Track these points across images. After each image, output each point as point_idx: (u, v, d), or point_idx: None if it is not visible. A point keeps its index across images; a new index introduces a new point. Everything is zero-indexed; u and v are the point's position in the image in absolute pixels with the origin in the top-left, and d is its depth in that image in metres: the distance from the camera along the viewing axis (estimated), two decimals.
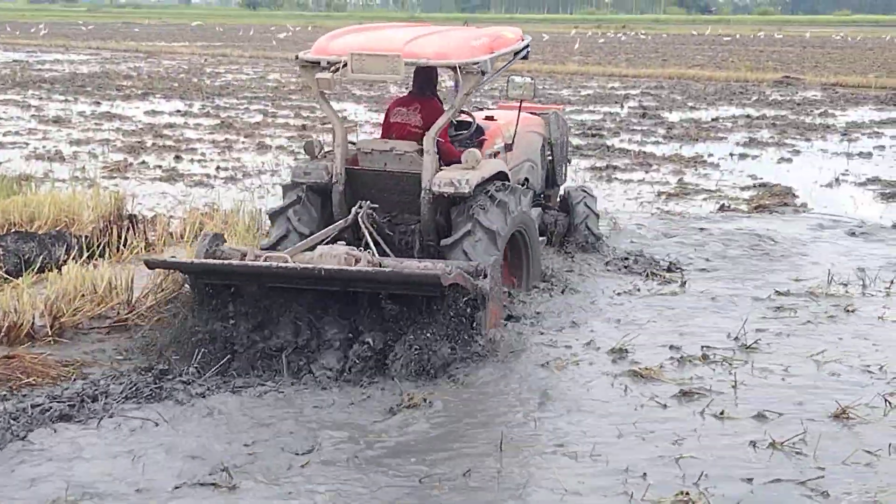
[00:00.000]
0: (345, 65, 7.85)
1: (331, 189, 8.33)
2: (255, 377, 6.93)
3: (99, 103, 25.38)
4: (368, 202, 8.13)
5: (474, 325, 7.13)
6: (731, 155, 18.01)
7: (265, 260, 7.31)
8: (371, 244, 7.87)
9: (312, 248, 7.71)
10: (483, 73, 8.04)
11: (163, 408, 6.24)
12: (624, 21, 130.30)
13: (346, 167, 8.35)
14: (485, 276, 7.17)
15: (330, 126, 8.55)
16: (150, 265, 7.60)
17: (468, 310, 7.06)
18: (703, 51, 58.26)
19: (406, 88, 9.62)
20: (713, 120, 23.42)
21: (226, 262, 7.42)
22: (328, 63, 8.00)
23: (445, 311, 7.01)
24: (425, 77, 8.74)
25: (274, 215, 8.52)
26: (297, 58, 8.44)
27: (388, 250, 8.02)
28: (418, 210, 8.19)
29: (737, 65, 43.19)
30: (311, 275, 7.00)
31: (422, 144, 8.11)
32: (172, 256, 9.03)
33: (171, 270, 8.05)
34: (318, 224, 8.35)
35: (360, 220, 8.04)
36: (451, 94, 9.88)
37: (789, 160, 17.65)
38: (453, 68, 8.43)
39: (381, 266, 7.25)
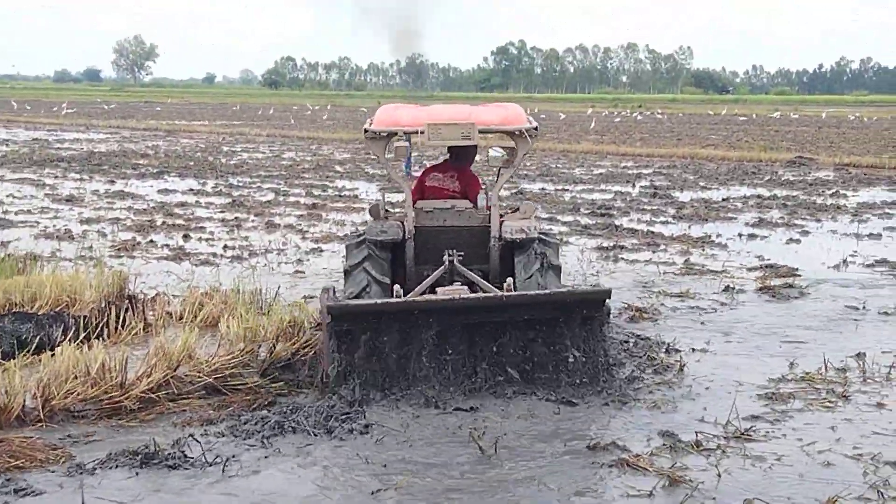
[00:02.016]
0: (422, 133, 9.25)
1: (402, 244, 9.62)
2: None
3: (113, 182, 25.63)
4: (455, 250, 9.43)
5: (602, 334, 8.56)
6: (740, 235, 17.98)
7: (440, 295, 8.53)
8: (476, 281, 9.16)
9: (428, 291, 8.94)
10: (536, 136, 9.76)
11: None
12: (640, 101, 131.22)
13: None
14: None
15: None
16: (333, 311, 8.07)
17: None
18: (718, 130, 58.54)
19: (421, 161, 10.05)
20: (724, 200, 23.43)
21: (411, 299, 8.43)
22: (405, 133, 9.52)
23: (601, 324, 8.53)
24: (464, 151, 10.26)
25: (351, 269, 9.56)
26: (366, 130, 9.65)
27: (487, 286, 9.13)
28: (478, 256, 9.65)
29: (750, 144, 43.35)
30: (491, 304, 8.31)
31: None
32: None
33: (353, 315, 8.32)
34: (388, 275, 9.55)
35: (456, 264, 9.33)
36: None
37: (798, 241, 17.59)
38: (517, 133, 9.72)
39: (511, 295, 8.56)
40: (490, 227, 9.78)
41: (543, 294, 8.55)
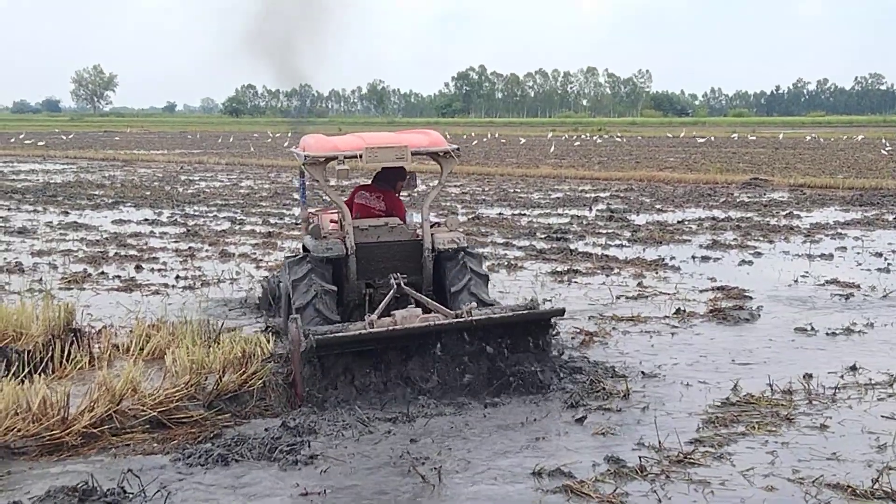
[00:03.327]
0: (360, 156, 10.14)
1: (344, 260, 10.35)
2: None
3: (67, 213, 25.41)
4: (399, 273, 10.26)
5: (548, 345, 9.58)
6: (693, 258, 18.08)
7: (422, 321, 9.16)
8: (425, 303, 9.83)
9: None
10: (458, 156, 10.77)
11: None
12: (600, 124, 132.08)
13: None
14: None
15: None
16: (321, 343, 8.57)
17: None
18: (677, 153, 59.01)
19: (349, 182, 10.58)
20: (679, 222, 23.58)
21: (396, 327, 9.01)
22: (345, 157, 10.17)
23: (549, 337, 9.56)
24: (392, 174, 11.29)
25: (297, 281, 10.20)
26: (307, 157, 10.33)
27: (437, 307, 9.74)
28: (411, 268, 10.49)
29: (707, 167, 43.70)
30: (463, 327, 9.04)
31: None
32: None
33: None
34: (332, 284, 10.25)
35: (404, 287, 10.09)
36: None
37: (750, 263, 17.71)
38: (444, 153, 10.62)
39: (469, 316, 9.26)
40: (421, 240, 10.65)
41: (508, 315, 9.34)
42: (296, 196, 29.87)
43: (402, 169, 11.26)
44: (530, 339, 9.49)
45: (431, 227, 10.82)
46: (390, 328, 9.03)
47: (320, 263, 10.32)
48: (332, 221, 11.57)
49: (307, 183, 12.32)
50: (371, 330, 8.97)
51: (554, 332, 9.74)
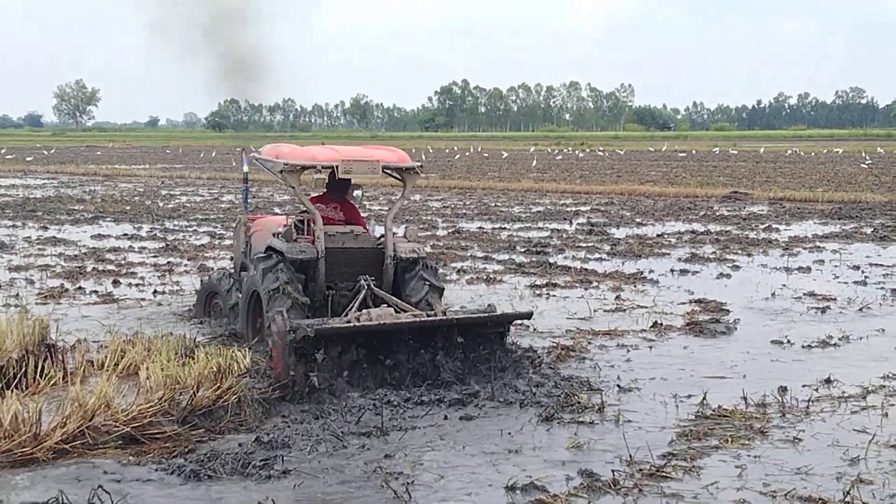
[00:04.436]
0: (337, 167, 10.81)
1: (313, 263, 10.84)
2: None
3: (46, 228, 25.29)
4: (367, 276, 10.79)
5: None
6: (672, 271, 18.15)
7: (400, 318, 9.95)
8: (394, 303, 10.48)
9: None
10: (422, 172, 11.67)
11: None
12: (583, 138, 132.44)
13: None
14: None
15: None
16: (319, 333, 9.15)
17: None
18: (658, 167, 59.29)
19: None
20: (658, 236, 23.66)
21: (392, 321, 9.76)
22: (322, 167, 10.90)
23: (504, 340, 10.40)
24: (343, 184, 11.70)
25: (267, 270, 10.71)
26: (285, 164, 10.85)
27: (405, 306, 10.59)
28: (372, 273, 10.94)
29: (688, 180, 43.89)
30: (446, 324, 9.89)
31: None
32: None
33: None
34: (303, 296, 10.72)
35: (372, 287, 10.68)
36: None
37: (728, 276, 17.79)
38: (409, 169, 11.34)
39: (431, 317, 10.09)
40: (383, 248, 11.19)
41: (483, 316, 10.24)
42: (277, 211, 29.86)
43: (348, 180, 11.73)
44: (494, 338, 10.34)
45: (393, 236, 11.41)
46: (385, 322, 9.73)
47: (293, 271, 10.80)
48: (284, 225, 11.82)
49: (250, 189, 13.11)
50: (367, 323, 9.66)
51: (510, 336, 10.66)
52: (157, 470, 7.54)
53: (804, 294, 15.59)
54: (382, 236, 11.40)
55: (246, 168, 13.47)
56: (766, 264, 19.14)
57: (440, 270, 12.41)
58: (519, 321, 11.63)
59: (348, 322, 9.79)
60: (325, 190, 11.96)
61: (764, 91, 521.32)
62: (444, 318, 10.05)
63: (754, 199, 34.68)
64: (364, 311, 10.10)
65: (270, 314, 10.13)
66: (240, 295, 11.99)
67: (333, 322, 9.81)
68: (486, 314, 10.32)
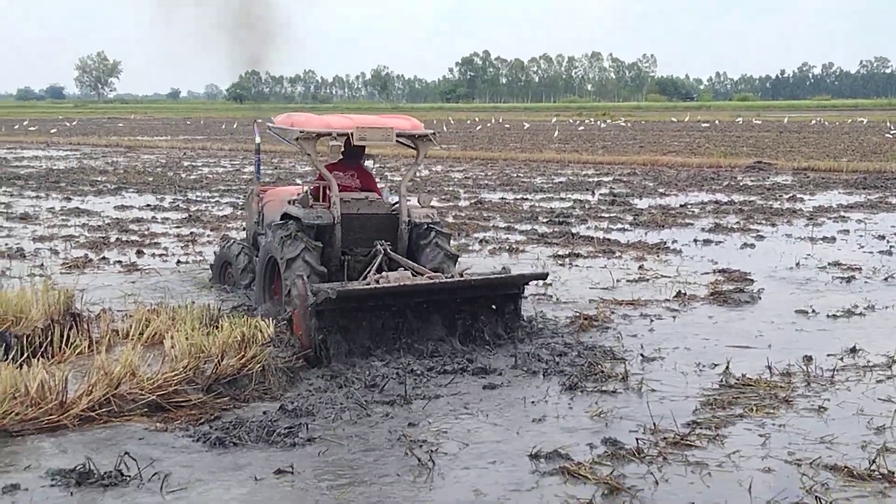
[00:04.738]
0: (351, 134, 10.86)
1: (329, 229, 10.97)
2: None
3: (70, 199, 25.43)
4: (384, 240, 11.05)
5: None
6: (695, 241, 18.07)
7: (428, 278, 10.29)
8: (410, 267, 10.72)
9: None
10: (436, 139, 11.69)
11: None
12: (605, 109, 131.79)
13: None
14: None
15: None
16: (341, 294, 9.27)
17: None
18: (681, 137, 58.95)
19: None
20: (682, 206, 23.56)
21: (412, 283, 10.04)
22: (337, 134, 10.96)
23: (519, 302, 10.64)
24: (357, 150, 11.81)
25: (286, 238, 10.79)
26: (301, 132, 10.93)
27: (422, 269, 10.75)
28: (387, 239, 11.14)
29: (711, 150, 43.62)
30: (465, 286, 10.19)
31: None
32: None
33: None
34: (320, 264, 10.78)
35: (391, 253, 10.98)
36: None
37: (752, 246, 17.69)
38: (422, 136, 11.44)
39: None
40: (397, 214, 11.37)
41: (500, 277, 10.49)
42: (298, 181, 29.90)
43: (362, 147, 11.85)
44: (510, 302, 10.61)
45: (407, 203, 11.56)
46: (405, 283, 9.98)
47: (306, 229, 10.93)
48: (299, 193, 11.87)
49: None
50: (387, 285, 9.86)
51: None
52: (182, 437, 7.58)
53: (829, 263, 15.50)
54: (397, 202, 11.51)
55: (258, 139, 13.54)
56: (791, 234, 19.03)
57: (461, 240, 12.53)
58: (535, 281, 11.78)
59: (367, 285, 9.94)
60: (340, 157, 12.01)
61: (788, 61, 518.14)
62: (462, 279, 10.28)
63: (778, 169, 34.46)
64: (382, 274, 10.31)
65: (289, 281, 10.32)
66: (246, 259, 12.60)
67: (354, 285, 9.96)
68: (502, 275, 10.54)
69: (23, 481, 6.67)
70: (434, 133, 11.69)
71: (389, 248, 11.06)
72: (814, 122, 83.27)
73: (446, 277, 10.37)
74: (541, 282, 12.28)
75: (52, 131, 69.22)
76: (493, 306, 10.52)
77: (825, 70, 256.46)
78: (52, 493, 6.53)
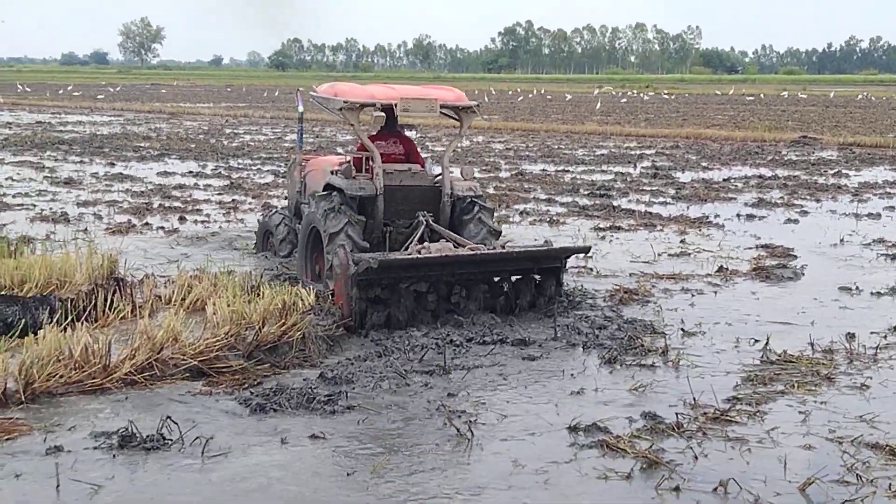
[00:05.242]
0: (396, 105, 10.84)
1: (372, 200, 10.97)
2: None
3: (113, 164, 25.63)
4: (425, 211, 10.99)
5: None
6: (738, 216, 17.93)
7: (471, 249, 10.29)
8: (452, 238, 10.72)
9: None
10: (479, 111, 11.67)
11: None
12: (648, 81, 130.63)
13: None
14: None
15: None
16: (383, 264, 9.33)
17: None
18: (725, 110, 58.38)
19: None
20: (724, 180, 23.37)
21: (453, 254, 9.99)
22: (381, 105, 11.08)
23: (561, 276, 10.68)
24: (394, 120, 11.81)
25: (329, 212, 10.76)
26: (345, 102, 10.89)
27: (464, 241, 10.77)
28: (430, 210, 11.06)
29: (755, 125, 43.18)
30: (508, 258, 10.27)
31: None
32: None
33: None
34: (362, 238, 10.80)
35: (433, 224, 10.96)
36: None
37: (796, 221, 17.53)
38: (466, 108, 11.35)
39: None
40: (440, 186, 11.31)
41: (543, 248, 10.61)
42: (339, 151, 29.96)
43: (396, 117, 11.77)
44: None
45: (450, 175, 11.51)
46: (447, 254, 9.93)
47: (349, 200, 10.94)
48: (342, 163, 11.82)
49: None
50: (428, 255, 9.84)
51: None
52: (224, 402, 7.64)
53: (873, 241, 15.33)
54: (440, 175, 11.43)
55: (301, 108, 13.50)
56: (835, 210, 18.84)
57: (502, 211, 12.54)
58: (579, 253, 11.70)
59: (409, 255, 9.94)
60: (381, 128, 12.10)
61: (835, 34, 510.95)
62: (504, 251, 10.30)
63: (824, 144, 34.06)
64: (424, 245, 10.28)
65: (331, 255, 10.31)
66: (286, 230, 12.78)
67: (395, 255, 10.01)
68: (544, 248, 10.60)
69: (66, 443, 6.76)
70: (478, 104, 11.62)
71: (431, 220, 11.03)
72: (860, 96, 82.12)
73: (488, 249, 10.35)
74: (582, 255, 12.23)
75: (100, 97, 69.74)
76: (536, 278, 10.55)
77: (873, 44, 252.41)
78: (95, 455, 6.61)
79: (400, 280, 9.77)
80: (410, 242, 10.67)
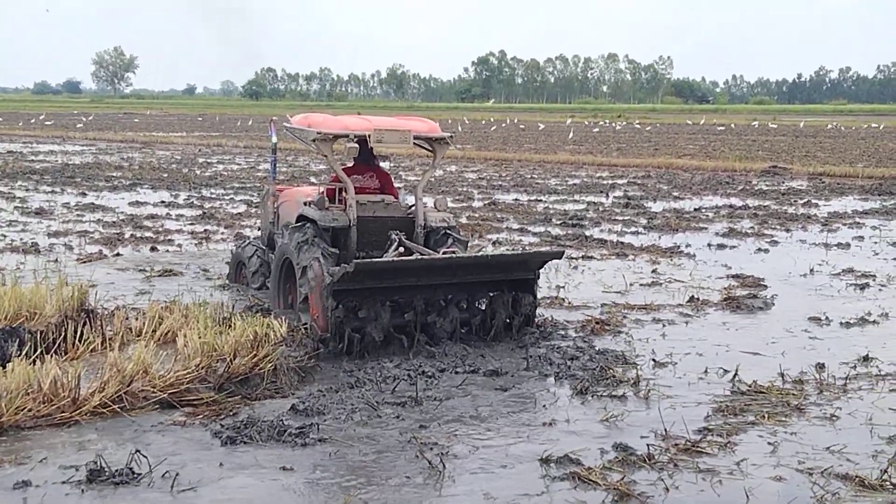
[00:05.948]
0: (369, 136, 10.87)
1: (345, 231, 11.03)
2: None
3: (85, 194, 25.49)
4: (398, 230, 11.11)
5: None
6: (709, 245, 18.04)
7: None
8: (421, 254, 10.68)
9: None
10: (452, 142, 11.71)
11: None
12: (620, 111, 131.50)
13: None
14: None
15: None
16: (359, 267, 9.34)
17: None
18: (696, 140, 58.80)
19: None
20: (696, 210, 23.51)
21: (430, 258, 10.20)
22: (355, 136, 11.02)
23: (535, 289, 10.82)
24: (371, 152, 11.64)
25: (302, 244, 10.71)
26: (318, 133, 10.91)
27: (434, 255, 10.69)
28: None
29: (726, 154, 43.51)
30: (482, 263, 10.44)
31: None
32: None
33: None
34: (334, 263, 10.56)
35: (405, 241, 10.99)
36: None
37: (766, 251, 17.66)
38: (439, 139, 11.41)
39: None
40: (413, 217, 11.38)
41: (517, 253, 11.20)
42: (313, 180, 29.95)
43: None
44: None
45: (423, 206, 11.56)
46: (423, 258, 10.14)
47: (322, 232, 10.94)
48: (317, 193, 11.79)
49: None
50: (405, 258, 10.13)
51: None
52: (194, 435, 7.60)
53: (843, 270, 15.45)
54: (413, 205, 11.50)
55: (274, 138, 13.50)
56: (805, 240, 18.99)
57: (474, 241, 12.63)
58: (552, 259, 11.52)
59: (385, 259, 10.16)
60: (354, 159, 12.03)
61: (804, 65, 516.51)
62: (479, 255, 10.49)
63: (793, 174, 34.35)
64: (400, 250, 10.62)
65: (304, 288, 10.41)
66: (258, 262, 12.79)
67: (372, 259, 10.17)
68: (518, 252, 10.72)
69: (34, 478, 6.70)
70: (451, 136, 11.68)
71: (404, 238, 11.10)
72: (830, 126, 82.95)
73: (463, 253, 10.49)
74: (553, 284, 12.26)
75: (79, 126, 69.40)
76: (512, 294, 10.62)
77: (842, 74, 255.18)
78: (64, 489, 6.56)
79: (376, 291, 9.81)
80: (384, 254, 10.80)
